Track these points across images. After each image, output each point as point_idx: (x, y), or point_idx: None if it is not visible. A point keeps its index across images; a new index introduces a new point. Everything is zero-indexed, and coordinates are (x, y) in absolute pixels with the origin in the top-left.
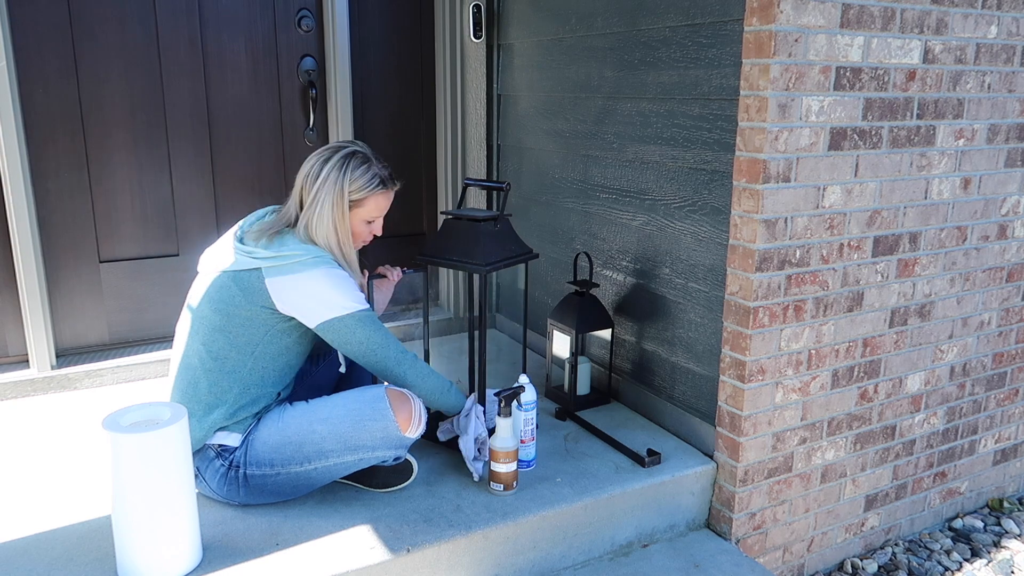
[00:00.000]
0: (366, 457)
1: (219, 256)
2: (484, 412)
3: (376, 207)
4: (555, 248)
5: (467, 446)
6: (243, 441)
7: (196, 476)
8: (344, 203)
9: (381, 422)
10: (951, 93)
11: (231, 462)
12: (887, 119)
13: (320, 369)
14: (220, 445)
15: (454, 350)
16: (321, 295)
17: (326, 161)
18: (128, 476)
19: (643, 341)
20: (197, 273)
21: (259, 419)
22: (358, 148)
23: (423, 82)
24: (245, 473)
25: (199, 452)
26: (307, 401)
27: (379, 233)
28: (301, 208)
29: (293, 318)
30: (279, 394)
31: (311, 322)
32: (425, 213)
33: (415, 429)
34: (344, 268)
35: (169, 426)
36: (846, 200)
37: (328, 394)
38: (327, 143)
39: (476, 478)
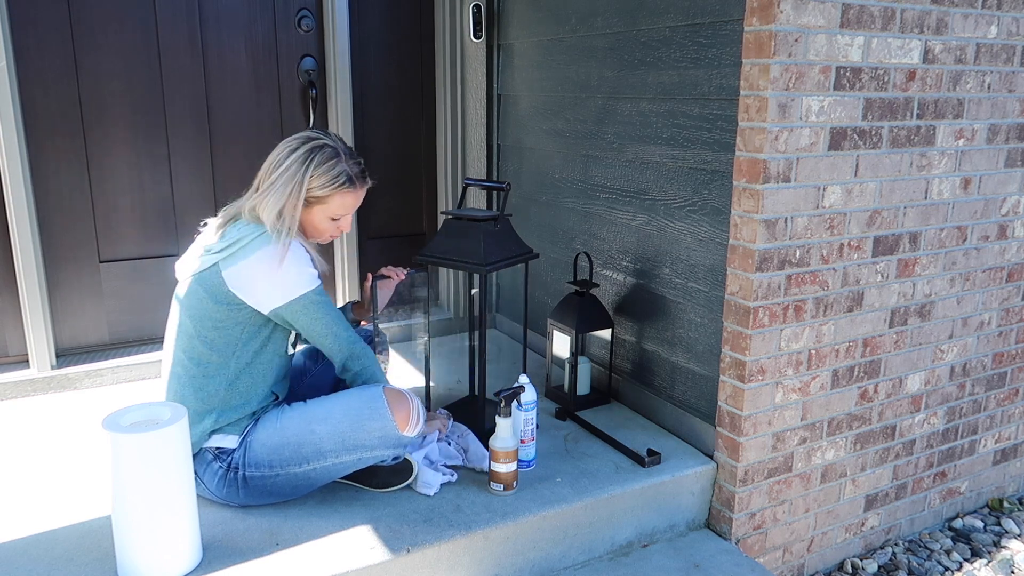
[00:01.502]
0: (365, 457)
1: (188, 262)
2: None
3: (341, 205)
4: (555, 248)
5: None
6: (241, 443)
7: (195, 478)
8: (300, 197)
9: (379, 421)
10: (951, 93)
11: (229, 464)
12: (887, 119)
13: (320, 368)
14: (217, 448)
15: (454, 350)
16: (267, 278)
17: (293, 151)
18: (128, 476)
19: (643, 341)
20: None
21: (257, 420)
22: (328, 142)
23: (423, 82)
24: (244, 475)
25: (196, 455)
26: (305, 401)
27: (347, 229)
28: (256, 192)
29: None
30: (276, 395)
31: (263, 309)
32: (425, 213)
33: (413, 428)
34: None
35: (169, 426)
36: (846, 200)
37: (327, 394)
38: None
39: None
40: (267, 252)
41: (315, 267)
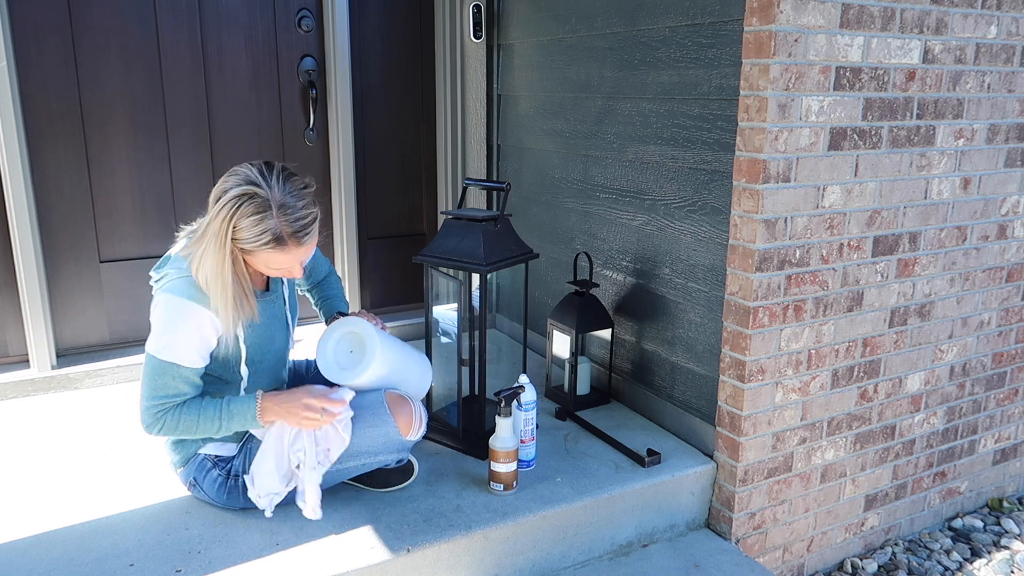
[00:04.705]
0: (369, 462)
1: None
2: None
3: (268, 261)
4: (555, 248)
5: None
6: (240, 450)
7: (193, 485)
8: (226, 248)
9: (382, 428)
10: (951, 93)
11: (229, 472)
12: (887, 119)
13: (311, 378)
14: (216, 456)
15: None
16: (153, 324)
17: (225, 191)
18: None
19: (643, 341)
20: None
21: None
22: (261, 190)
23: (423, 82)
24: (245, 481)
25: (193, 460)
26: None
27: (297, 276)
28: (196, 236)
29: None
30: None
31: None
32: (425, 213)
33: (416, 432)
34: (206, 303)
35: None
36: (846, 200)
37: None
38: (327, 143)
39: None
40: (170, 302)
41: (213, 334)
